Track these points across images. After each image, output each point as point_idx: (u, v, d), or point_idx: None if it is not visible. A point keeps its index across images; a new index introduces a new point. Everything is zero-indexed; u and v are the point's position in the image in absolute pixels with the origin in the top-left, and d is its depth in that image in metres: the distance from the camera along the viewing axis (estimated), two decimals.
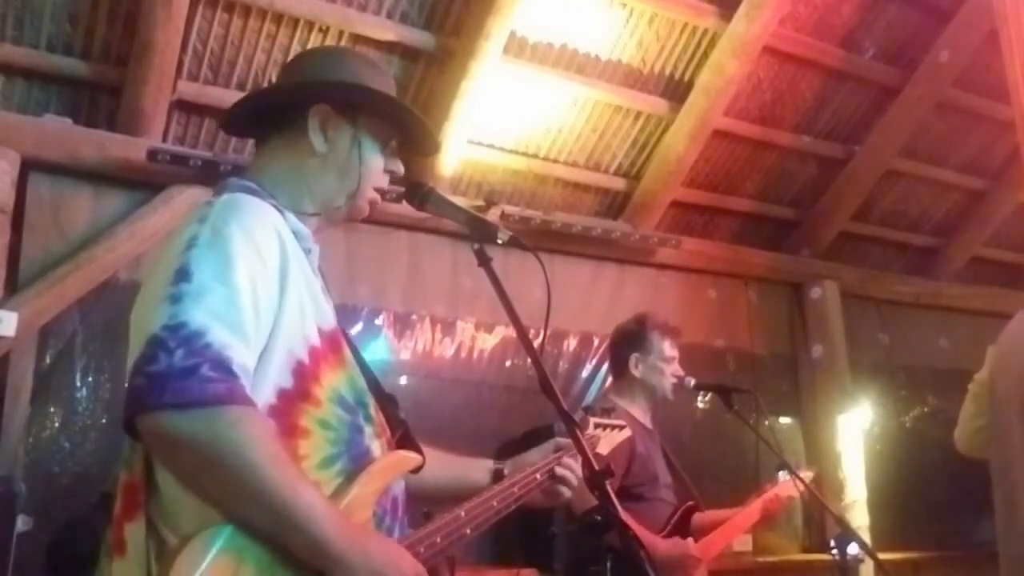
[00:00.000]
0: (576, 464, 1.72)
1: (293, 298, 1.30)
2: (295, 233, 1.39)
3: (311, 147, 1.47)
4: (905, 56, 4.80)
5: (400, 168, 1.58)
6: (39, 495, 3.15)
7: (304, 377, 1.30)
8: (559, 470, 1.71)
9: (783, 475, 3.18)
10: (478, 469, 1.73)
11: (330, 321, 1.39)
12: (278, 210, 1.39)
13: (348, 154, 1.49)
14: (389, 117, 1.55)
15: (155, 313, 1.18)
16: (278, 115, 1.50)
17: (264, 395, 1.24)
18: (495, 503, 1.55)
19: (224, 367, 1.15)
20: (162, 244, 1.36)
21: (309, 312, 1.34)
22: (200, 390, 1.12)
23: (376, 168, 1.53)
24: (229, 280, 1.21)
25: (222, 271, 1.22)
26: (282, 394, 1.27)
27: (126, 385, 1.17)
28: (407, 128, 1.59)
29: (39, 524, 3.02)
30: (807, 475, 3.18)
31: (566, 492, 1.73)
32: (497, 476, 1.71)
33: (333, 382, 1.34)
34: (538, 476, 1.69)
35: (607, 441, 2.19)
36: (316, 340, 1.33)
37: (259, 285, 1.25)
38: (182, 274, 1.21)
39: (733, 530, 3.05)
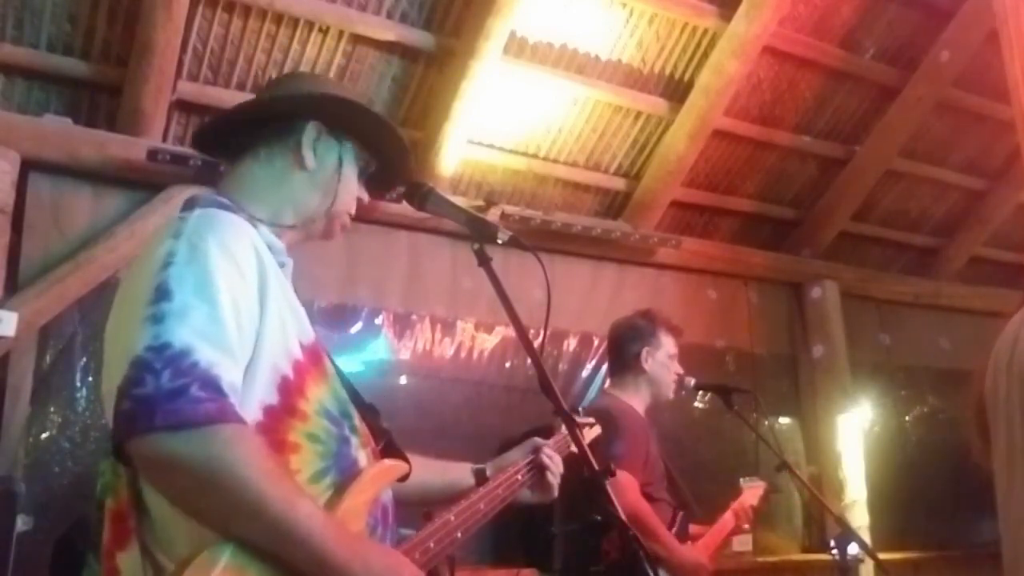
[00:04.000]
0: (557, 457, 1.78)
1: (274, 313, 1.29)
2: (269, 247, 1.38)
3: (300, 162, 1.47)
4: (905, 56, 4.80)
5: (366, 196, 1.59)
6: (39, 495, 3.15)
7: (290, 392, 1.28)
8: (543, 458, 1.75)
9: (744, 482, 3.23)
10: (459, 470, 1.75)
11: (310, 335, 1.38)
12: (251, 224, 1.38)
13: (332, 173, 1.50)
14: (371, 142, 1.56)
15: (137, 334, 1.16)
16: (265, 128, 1.49)
17: (251, 412, 1.22)
18: (482, 506, 1.57)
19: (213, 386, 1.13)
20: (134, 261, 1.33)
21: (290, 326, 1.32)
22: (191, 410, 1.10)
23: (352, 191, 1.54)
24: (210, 297, 1.19)
25: (203, 288, 1.20)
26: (268, 410, 1.25)
27: (111, 409, 1.15)
28: (385, 155, 1.60)
29: (39, 524, 3.02)
30: (806, 472, 3.21)
31: (553, 481, 1.76)
32: (479, 476, 1.73)
33: (319, 395, 1.33)
34: (519, 477, 1.72)
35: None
36: (299, 354, 1.32)
37: (240, 301, 1.23)
38: (162, 293, 1.18)
39: (712, 543, 3.07)
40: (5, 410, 3.18)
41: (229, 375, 1.17)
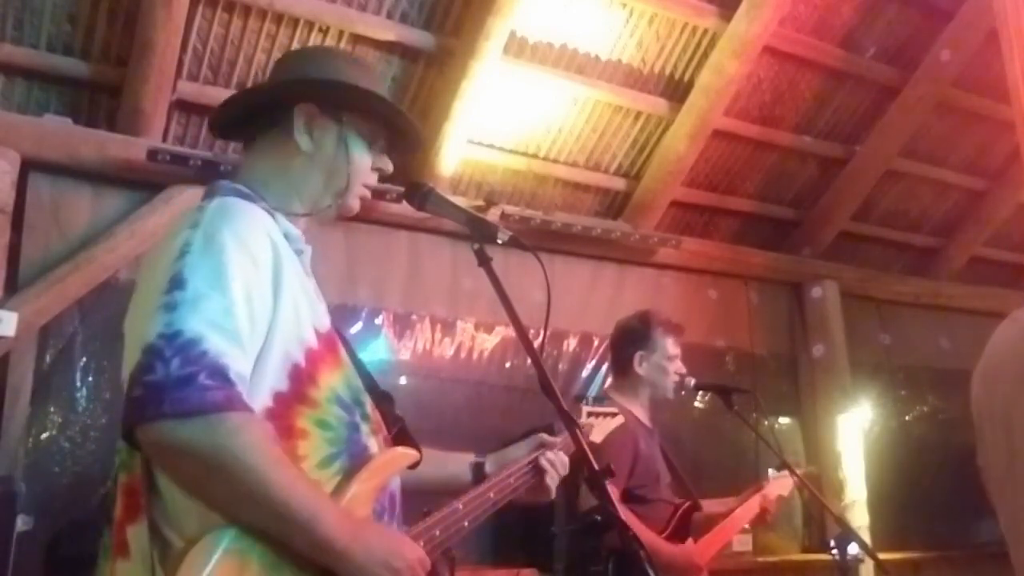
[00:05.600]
0: (559, 458, 1.75)
1: (288, 302, 1.31)
2: (286, 235, 1.39)
3: (297, 147, 1.47)
4: (905, 56, 4.80)
5: (388, 165, 1.58)
6: (39, 495, 3.15)
7: (300, 380, 1.31)
8: (542, 461, 1.73)
9: (773, 473, 3.19)
10: (457, 464, 1.75)
11: (325, 322, 1.40)
12: (269, 212, 1.40)
13: (335, 153, 1.49)
14: (375, 114, 1.55)
15: (150, 322, 1.19)
16: (264, 116, 1.50)
17: (260, 399, 1.25)
18: (492, 495, 1.58)
19: (221, 374, 1.16)
20: (153, 249, 1.37)
21: (305, 315, 1.35)
22: (199, 398, 1.13)
23: (364, 166, 1.53)
24: (224, 287, 1.22)
25: (216, 278, 1.22)
26: (278, 397, 1.28)
27: (125, 394, 1.18)
28: (393, 124, 1.58)
29: (39, 524, 3.02)
30: (804, 471, 3.18)
31: (551, 484, 1.74)
32: (477, 469, 1.73)
33: (331, 382, 1.35)
34: (511, 480, 1.70)
35: (600, 429, 2.19)
36: (313, 342, 1.34)
37: (253, 291, 1.26)
38: (176, 282, 1.21)
39: (730, 530, 3.05)
40: (5, 410, 3.18)
41: (237, 364, 1.20)
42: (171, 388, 1.13)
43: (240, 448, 1.14)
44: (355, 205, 1.55)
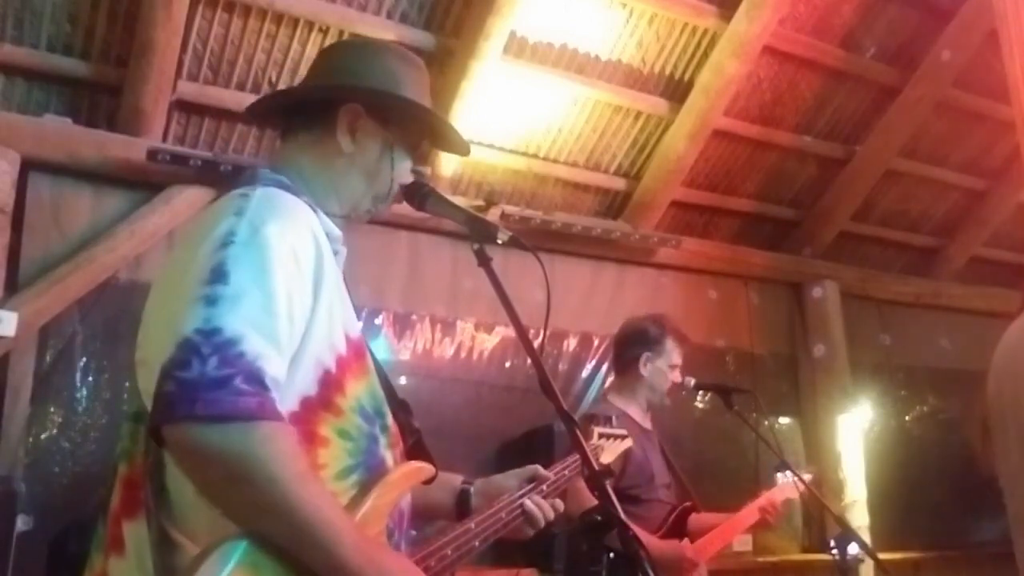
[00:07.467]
0: (546, 503, 1.67)
1: (325, 305, 1.27)
2: (327, 234, 1.36)
3: (339, 147, 1.45)
4: (905, 56, 4.80)
5: (427, 172, 1.59)
6: (39, 495, 3.15)
7: (329, 386, 1.27)
8: (527, 504, 1.64)
9: (781, 477, 3.17)
10: (443, 488, 1.67)
11: (356, 328, 1.37)
12: (312, 208, 1.36)
13: (378, 157, 1.48)
14: (420, 120, 1.54)
15: (188, 313, 1.14)
16: (307, 110, 1.47)
17: (288, 403, 1.21)
18: (503, 515, 1.56)
19: (257, 379, 1.12)
20: (193, 231, 1.31)
21: (338, 319, 1.31)
22: (232, 403, 1.09)
23: (406, 172, 1.53)
24: (266, 285, 1.17)
25: (259, 275, 1.18)
26: (305, 402, 1.24)
27: (153, 387, 1.13)
28: (437, 131, 1.58)
29: (39, 524, 3.02)
30: (807, 475, 3.17)
31: (529, 532, 1.67)
32: (462, 496, 1.67)
33: (356, 391, 1.32)
34: (544, 487, 1.68)
35: (610, 451, 2.20)
36: (343, 348, 1.31)
37: (294, 291, 1.21)
38: (218, 274, 1.16)
39: (730, 532, 3.04)
40: (5, 410, 3.18)
41: (273, 368, 1.15)
42: (204, 389, 1.08)
43: (267, 459, 1.10)
44: (383, 212, 1.55)
